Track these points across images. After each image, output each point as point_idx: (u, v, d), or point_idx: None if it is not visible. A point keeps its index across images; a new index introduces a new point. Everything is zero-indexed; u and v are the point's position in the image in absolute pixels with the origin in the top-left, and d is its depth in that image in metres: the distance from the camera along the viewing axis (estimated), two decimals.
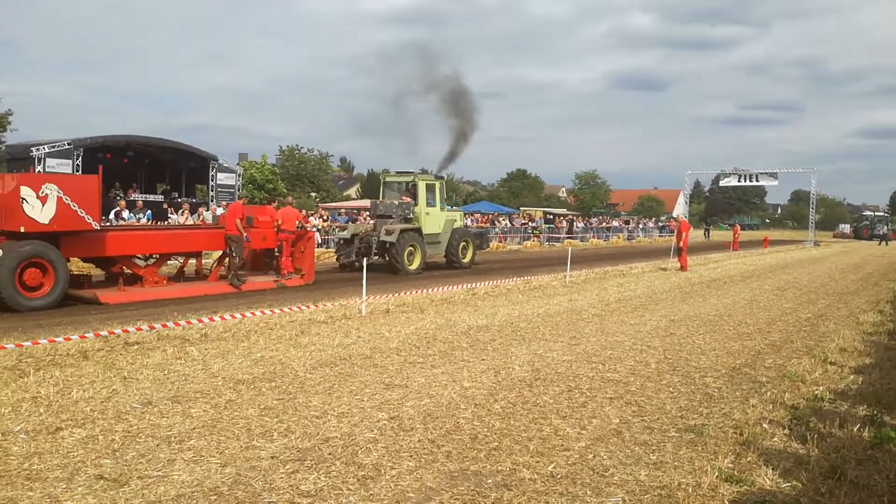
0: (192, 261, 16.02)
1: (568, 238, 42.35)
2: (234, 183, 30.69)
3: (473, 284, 14.83)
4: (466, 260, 21.83)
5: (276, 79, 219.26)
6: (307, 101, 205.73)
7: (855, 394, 6.81)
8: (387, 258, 19.49)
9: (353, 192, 79.15)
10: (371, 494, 4.25)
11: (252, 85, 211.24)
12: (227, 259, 15.18)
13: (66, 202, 12.11)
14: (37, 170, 22.77)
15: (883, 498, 4.36)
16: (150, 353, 7.87)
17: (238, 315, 9.84)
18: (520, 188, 78.09)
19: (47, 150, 23.59)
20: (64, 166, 23.92)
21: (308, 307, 10.81)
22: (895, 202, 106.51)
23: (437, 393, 6.51)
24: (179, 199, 26.57)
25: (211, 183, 29.64)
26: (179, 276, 15.63)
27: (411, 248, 19.56)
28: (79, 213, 12.28)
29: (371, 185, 79.31)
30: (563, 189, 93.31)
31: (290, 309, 10.55)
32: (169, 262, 15.84)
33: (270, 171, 44.69)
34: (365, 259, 19.61)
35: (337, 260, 20.51)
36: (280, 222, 16.03)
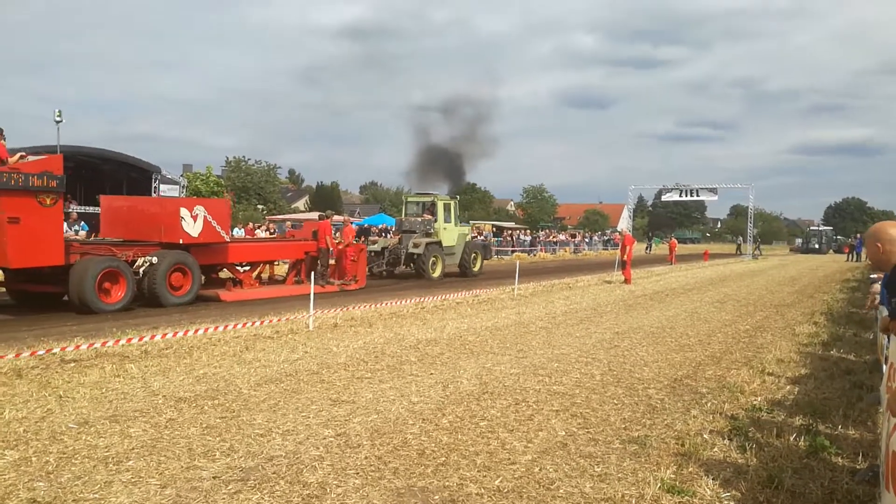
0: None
1: (516, 251, 42.74)
2: (177, 195, 30.09)
3: (422, 298, 14.82)
4: (476, 269, 24.81)
5: (224, 89, 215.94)
6: (255, 113, 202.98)
7: (791, 404, 7.02)
8: (413, 267, 22.46)
9: (301, 203, 78.22)
10: None
11: (199, 95, 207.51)
12: (299, 266, 18.25)
13: (209, 220, 14.87)
14: None
15: None
16: (88, 371, 7.63)
17: (180, 332, 9.61)
18: (469, 202, 78.47)
19: None
20: None
21: (254, 322, 10.62)
22: (829, 216, 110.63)
23: (384, 408, 6.46)
24: None
25: (154, 195, 29.00)
26: (258, 280, 17.81)
27: (434, 259, 22.54)
28: (217, 228, 15.13)
29: (321, 197, 78.48)
30: (512, 203, 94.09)
31: (234, 325, 10.36)
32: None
33: (216, 182, 43.92)
34: (395, 268, 22.80)
35: (369, 270, 22.17)
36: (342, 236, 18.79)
